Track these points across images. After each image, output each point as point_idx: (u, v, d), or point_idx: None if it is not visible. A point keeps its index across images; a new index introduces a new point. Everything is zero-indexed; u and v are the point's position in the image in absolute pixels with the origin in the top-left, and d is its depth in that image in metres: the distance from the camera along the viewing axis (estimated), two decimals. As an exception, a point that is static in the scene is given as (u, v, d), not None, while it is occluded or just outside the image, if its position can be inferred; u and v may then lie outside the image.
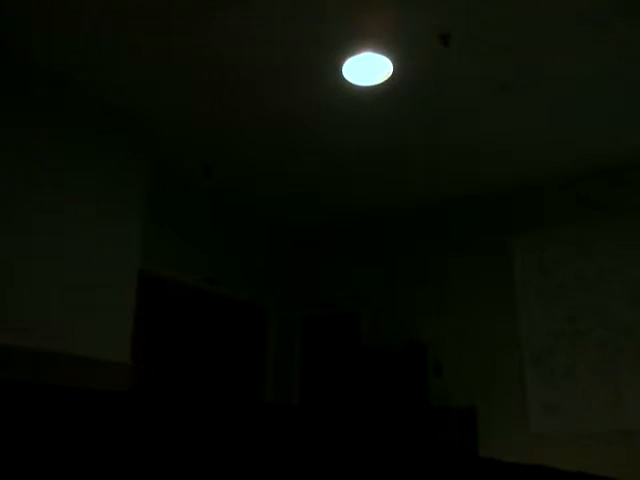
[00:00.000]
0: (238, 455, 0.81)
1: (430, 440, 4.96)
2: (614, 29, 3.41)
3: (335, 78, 3.90)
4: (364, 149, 4.85)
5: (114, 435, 0.76)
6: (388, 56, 3.67)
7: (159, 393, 4.79)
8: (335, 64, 3.76)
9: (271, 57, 3.71)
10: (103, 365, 3.81)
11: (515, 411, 4.97)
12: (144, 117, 4.40)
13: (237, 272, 5.93)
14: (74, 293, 3.76)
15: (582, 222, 5.07)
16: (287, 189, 5.62)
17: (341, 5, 3.25)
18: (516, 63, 3.73)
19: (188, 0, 3.23)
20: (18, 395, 0.74)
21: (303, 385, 6.24)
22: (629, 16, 3.28)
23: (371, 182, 5.45)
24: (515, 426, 4.93)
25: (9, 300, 3.40)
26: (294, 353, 6.36)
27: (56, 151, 3.83)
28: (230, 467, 0.79)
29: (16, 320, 3.41)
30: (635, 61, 3.69)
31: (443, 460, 0.85)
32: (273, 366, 6.13)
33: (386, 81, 3.90)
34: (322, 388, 6.13)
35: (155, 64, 3.79)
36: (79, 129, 4.00)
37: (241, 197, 5.81)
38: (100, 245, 3.99)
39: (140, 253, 4.30)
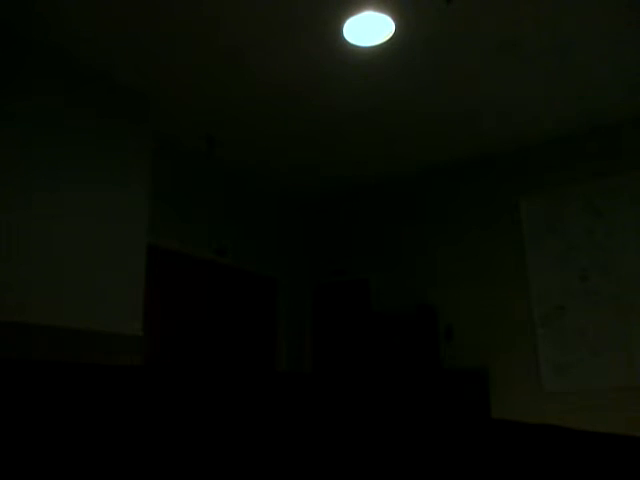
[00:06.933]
0: (251, 425, 0.80)
1: (442, 402, 5.00)
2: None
3: (336, 39, 3.81)
4: (367, 113, 4.77)
5: (127, 409, 0.75)
6: (390, 15, 3.57)
7: (171, 365, 4.85)
8: (335, 25, 3.67)
9: (270, 21, 3.62)
10: (116, 338, 3.85)
11: (527, 371, 4.99)
12: (146, 91, 4.34)
13: (246, 243, 5.93)
14: (85, 269, 3.78)
15: (590, 180, 4.99)
16: (292, 157, 5.56)
17: (339, -37, 3.15)
18: (521, 22, 3.61)
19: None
20: (31, 373, 0.73)
21: (315, 352, 6.29)
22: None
23: (376, 147, 5.38)
24: (527, 386, 4.96)
25: (21, 278, 3.42)
26: (305, 321, 6.40)
27: (58, 128, 3.79)
28: (244, 438, 0.79)
29: (28, 297, 3.43)
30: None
31: (455, 421, 0.84)
32: (285, 335, 6.17)
33: (388, 41, 3.80)
34: (334, 355, 6.18)
35: (154, 35, 3.71)
36: (81, 105, 3.95)
37: (248, 167, 5.77)
38: (107, 220, 3.98)
39: (148, 227, 4.31)
